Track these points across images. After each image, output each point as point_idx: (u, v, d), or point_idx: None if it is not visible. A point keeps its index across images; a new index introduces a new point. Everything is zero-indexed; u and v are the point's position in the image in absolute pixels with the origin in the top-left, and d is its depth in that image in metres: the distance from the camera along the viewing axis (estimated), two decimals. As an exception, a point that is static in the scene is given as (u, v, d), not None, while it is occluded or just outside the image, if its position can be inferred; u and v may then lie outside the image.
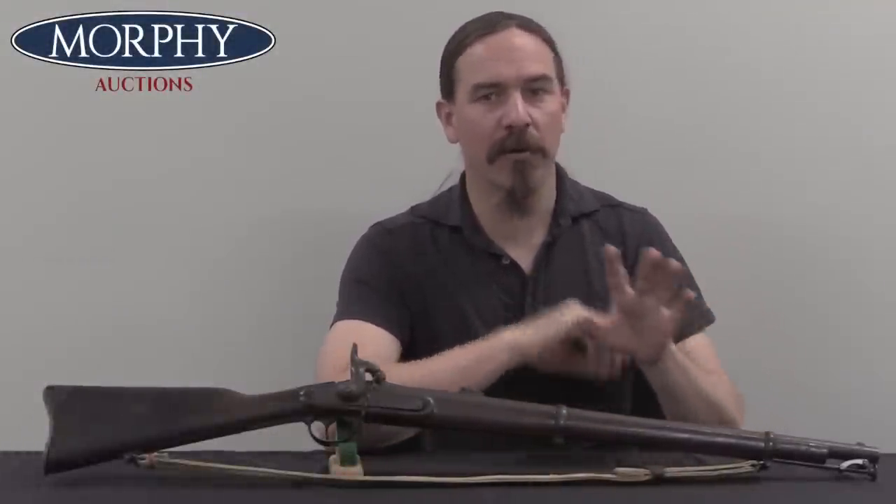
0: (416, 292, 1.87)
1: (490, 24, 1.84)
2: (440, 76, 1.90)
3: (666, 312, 1.65)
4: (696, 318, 1.86)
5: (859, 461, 1.47)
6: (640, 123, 2.34)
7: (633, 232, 1.92)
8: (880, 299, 2.37)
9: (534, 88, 1.82)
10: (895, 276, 2.37)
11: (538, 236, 1.89)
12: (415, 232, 1.91)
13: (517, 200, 1.85)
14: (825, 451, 1.48)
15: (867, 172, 2.37)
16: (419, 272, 1.88)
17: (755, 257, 2.37)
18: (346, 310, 1.86)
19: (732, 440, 1.49)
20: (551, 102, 1.84)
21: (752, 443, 1.48)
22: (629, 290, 1.65)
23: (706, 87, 2.35)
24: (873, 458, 1.48)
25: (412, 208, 1.95)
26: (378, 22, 2.33)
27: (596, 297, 1.85)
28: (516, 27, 1.84)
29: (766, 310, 2.36)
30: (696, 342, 1.87)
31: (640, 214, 1.96)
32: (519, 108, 1.80)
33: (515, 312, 1.85)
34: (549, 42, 1.86)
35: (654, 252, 1.64)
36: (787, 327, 2.35)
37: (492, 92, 1.82)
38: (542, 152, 1.83)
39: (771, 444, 1.47)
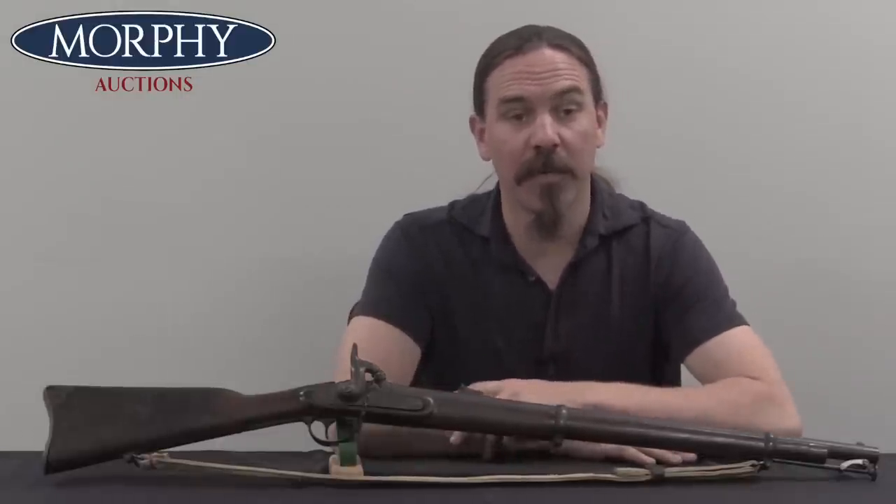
0: (441, 293, 1.85)
1: (520, 42, 1.79)
2: (473, 92, 1.86)
3: None
4: (711, 323, 1.82)
5: (859, 461, 1.48)
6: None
7: (657, 248, 1.87)
8: (880, 299, 2.37)
9: (564, 107, 1.77)
10: (894, 275, 2.37)
11: (567, 254, 1.85)
12: (447, 232, 1.88)
13: (546, 224, 1.81)
14: (825, 451, 1.48)
15: (865, 172, 2.38)
16: (446, 273, 1.86)
17: (754, 258, 2.37)
18: (371, 305, 1.84)
19: (732, 440, 1.49)
20: (582, 120, 1.79)
21: (752, 443, 1.48)
22: None
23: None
24: (873, 458, 1.48)
25: (451, 205, 1.92)
26: (378, 22, 2.33)
27: (614, 318, 1.84)
28: (547, 46, 1.78)
29: (766, 310, 2.35)
30: (720, 340, 1.80)
31: (671, 230, 1.90)
32: (547, 128, 1.75)
33: (536, 329, 1.84)
34: (583, 58, 1.81)
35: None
36: (787, 327, 2.35)
37: (519, 110, 1.77)
38: (571, 173, 1.79)
39: (771, 444, 1.47)
